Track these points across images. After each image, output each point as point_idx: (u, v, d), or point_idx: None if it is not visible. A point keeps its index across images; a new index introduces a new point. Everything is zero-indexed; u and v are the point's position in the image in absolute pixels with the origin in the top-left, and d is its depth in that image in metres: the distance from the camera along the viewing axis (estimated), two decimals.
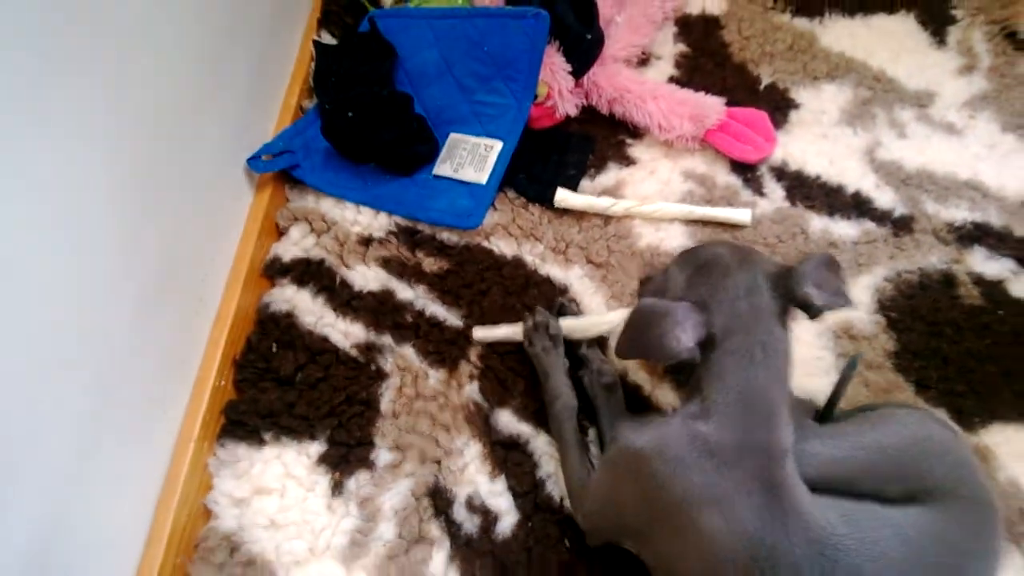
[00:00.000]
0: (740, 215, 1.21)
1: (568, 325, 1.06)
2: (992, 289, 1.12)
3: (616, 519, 0.84)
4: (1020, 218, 1.20)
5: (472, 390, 1.06)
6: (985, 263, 1.15)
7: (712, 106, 1.30)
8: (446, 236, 1.23)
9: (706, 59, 1.47)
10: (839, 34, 1.49)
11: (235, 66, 1.21)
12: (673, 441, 0.76)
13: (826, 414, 0.92)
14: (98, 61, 0.84)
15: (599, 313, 1.10)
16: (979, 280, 1.13)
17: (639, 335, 0.79)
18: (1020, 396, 1.02)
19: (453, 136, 1.32)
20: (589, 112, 1.38)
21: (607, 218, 1.24)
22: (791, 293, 0.78)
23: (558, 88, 1.33)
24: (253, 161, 1.23)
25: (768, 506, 0.70)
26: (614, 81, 1.35)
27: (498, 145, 1.29)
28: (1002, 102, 1.36)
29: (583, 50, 1.35)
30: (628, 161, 1.32)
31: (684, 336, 0.76)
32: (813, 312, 0.78)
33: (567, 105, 1.34)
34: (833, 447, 0.79)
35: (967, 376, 1.04)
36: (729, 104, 1.34)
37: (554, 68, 1.33)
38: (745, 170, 1.29)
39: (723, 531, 0.70)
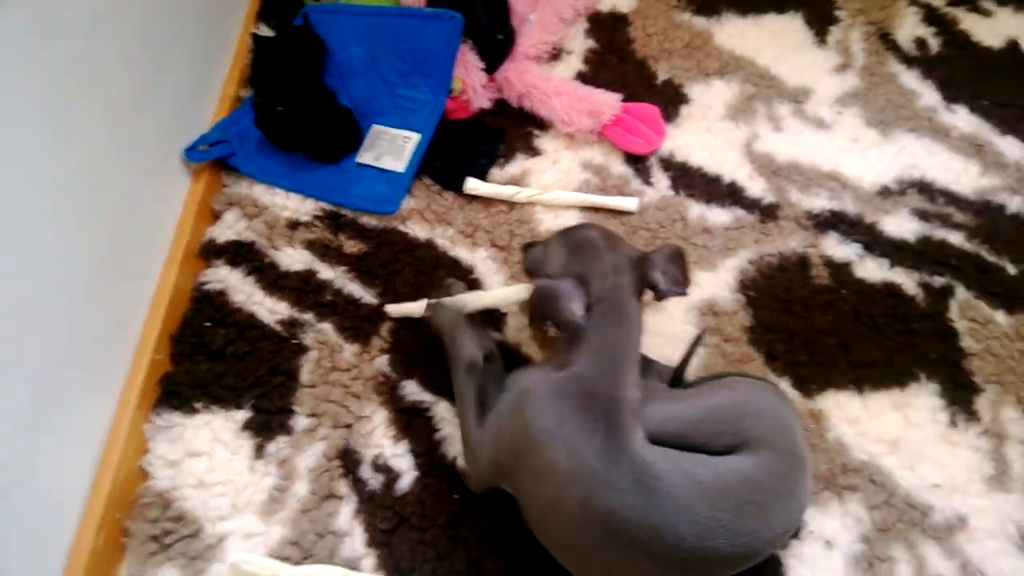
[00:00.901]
0: (628, 203, 1.27)
1: (456, 299, 1.12)
2: (839, 271, 1.20)
3: (495, 459, 0.91)
4: (872, 206, 1.28)
5: (382, 362, 1.12)
6: (836, 247, 1.23)
7: (608, 102, 1.36)
8: (366, 220, 1.27)
9: (612, 55, 1.51)
10: (732, 33, 1.54)
11: (176, 59, 1.24)
12: (542, 385, 0.85)
13: (675, 380, 1.00)
14: (46, 56, 0.88)
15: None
16: (829, 262, 1.21)
17: (542, 308, 0.89)
18: (854, 367, 1.10)
19: (375, 127, 1.36)
20: (502, 105, 1.42)
21: (512, 204, 1.29)
22: (645, 277, 0.88)
23: (472, 84, 1.37)
24: (190, 152, 1.27)
25: (606, 446, 0.78)
26: (523, 78, 1.39)
27: (415, 137, 1.33)
28: (869, 99, 1.43)
29: (495, 48, 1.40)
30: (534, 152, 1.37)
31: (575, 307, 0.86)
32: (659, 295, 0.88)
33: (480, 99, 1.39)
34: (671, 407, 0.87)
35: (809, 348, 1.12)
36: (627, 99, 1.39)
37: (468, 65, 1.37)
38: (636, 161, 1.35)
39: (566, 465, 0.79)
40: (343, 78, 1.42)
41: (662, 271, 0.90)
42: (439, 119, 1.35)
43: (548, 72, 1.46)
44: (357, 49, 1.43)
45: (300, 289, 1.19)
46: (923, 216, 1.26)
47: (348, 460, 1.04)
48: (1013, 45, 1.51)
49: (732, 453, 0.83)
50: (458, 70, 1.37)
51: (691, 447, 0.83)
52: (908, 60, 1.49)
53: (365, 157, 1.32)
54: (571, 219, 1.27)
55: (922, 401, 1.07)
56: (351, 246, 1.24)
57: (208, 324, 1.16)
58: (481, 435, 0.96)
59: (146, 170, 1.16)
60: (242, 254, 1.23)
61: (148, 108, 1.16)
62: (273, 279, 1.20)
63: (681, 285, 0.91)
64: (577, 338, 0.86)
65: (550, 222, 1.27)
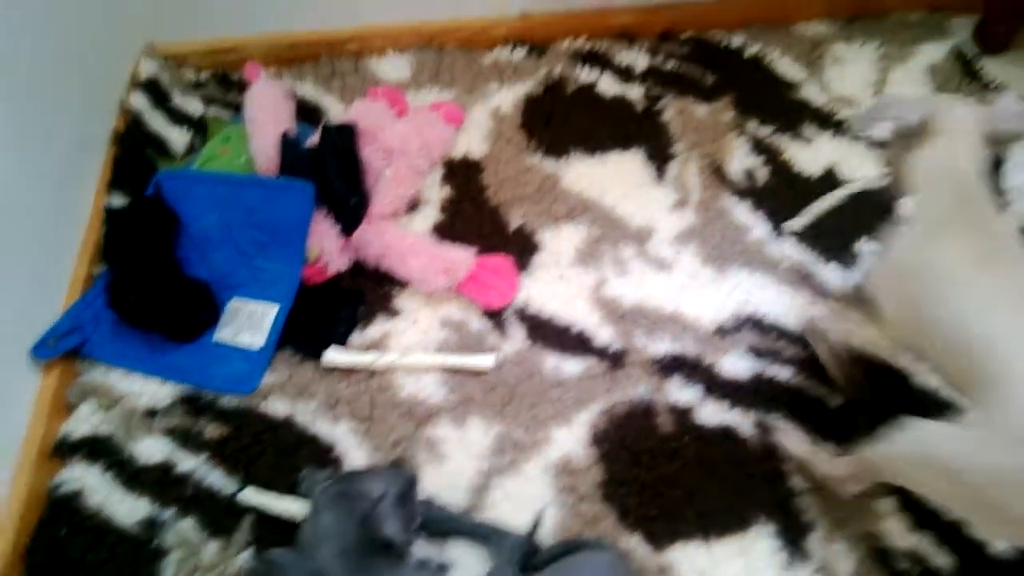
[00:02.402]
0: (483, 361, 1.36)
1: (253, 497, 1.19)
2: (682, 416, 1.31)
3: None
4: (711, 346, 1.40)
5: (246, 558, 1.16)
6: (679, 391, 1.34)
7: (462, 260, 1.45)
8: (226, 401, 1.32)
9: (467, 203, 1.61)
10: (580, 172, 1.66)
11: (18, 240, 1.26)
12: None
13: (528, 554, 1.08)
14: None
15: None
16: (673, 408, 1.32)
17: None
18: (699, 515, 1.20)
19: (233, 302, 1.42)
20: (359, 264, 1.50)
21: (372, 371, 1.36)
22: (377, 537, 0.95)
23: (328, 250, 1.45)
24: (39, 349, 1.28)
25: None
26: (380, 239, 1.48)
27: (273, 309, 1.39)
28: (705, 235, 1.57)
29: (349, 212, 1.48)
30: (393, 312, 1.44)
31: None
32: (395, 550, 0.96)
33: (337, 263, 1.47)
34: None
35: (658, 500, 1.22)
36: (482, 250, 1.49)
37: (322, 231, 1.45)
38: (494, 314, 1.44)
39: None
40: (200, 249, 1.48)
41: (394, 520, 0.96)
42: (297, 289, 1.41)
43: (405, 227, 1.55)
44: (212, 218, 1.49)
45: (160, 482, 1.22)
46: (757, 353, 1.39)
47: None
48: (830, 172, 1.69)
49: None
50: (313, 238, 1.45)
51: None
52: (740, 192, 1.64)
53: (223, 334, 1.38)
54: (431, 382, 1.35)
55: (761, 544, 1.18)
56: (212, 430, 1.28)
57: (64, 531, 1.17)
58: None
59: None
60: (98, 450, 1.25)
61: None
62: (132, 474, 1.23)
63: (416, 529, 0.99)
64: None
65: (411, 387, 1.34)
